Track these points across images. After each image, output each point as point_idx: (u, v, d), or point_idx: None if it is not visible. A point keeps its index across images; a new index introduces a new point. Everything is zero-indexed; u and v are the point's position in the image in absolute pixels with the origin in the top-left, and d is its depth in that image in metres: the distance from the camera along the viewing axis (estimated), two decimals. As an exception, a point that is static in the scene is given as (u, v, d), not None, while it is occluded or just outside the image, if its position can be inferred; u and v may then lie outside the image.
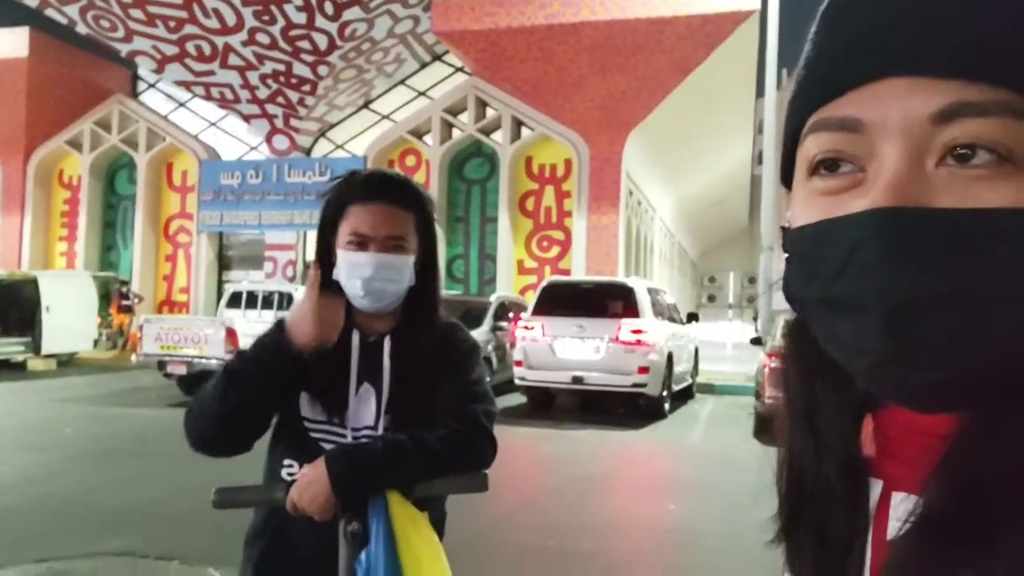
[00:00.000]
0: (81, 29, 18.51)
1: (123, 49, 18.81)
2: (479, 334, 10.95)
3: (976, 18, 0.40)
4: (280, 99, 18.85)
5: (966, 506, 0.41)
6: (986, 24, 0.40)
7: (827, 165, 0.45)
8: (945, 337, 0.39)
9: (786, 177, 0.52)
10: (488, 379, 1.60)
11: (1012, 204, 0.39)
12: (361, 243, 1.47)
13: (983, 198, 0.39)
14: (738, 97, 19.82)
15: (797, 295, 0.47)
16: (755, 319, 22.37)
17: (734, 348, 22.00)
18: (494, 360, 11.20)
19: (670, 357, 10.25)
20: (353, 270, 1.46)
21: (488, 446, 1.49)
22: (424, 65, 19.65)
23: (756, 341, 11.52)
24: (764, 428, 8.89)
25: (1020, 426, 0.40)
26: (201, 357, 10.63)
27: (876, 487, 0.49)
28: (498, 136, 17.62)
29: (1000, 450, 0.41)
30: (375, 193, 1.50)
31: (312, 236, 16.32)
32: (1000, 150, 0.39)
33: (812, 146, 0.46)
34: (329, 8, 16.69)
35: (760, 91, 17.28)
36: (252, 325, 10.99)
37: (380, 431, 1.47)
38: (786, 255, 0.49)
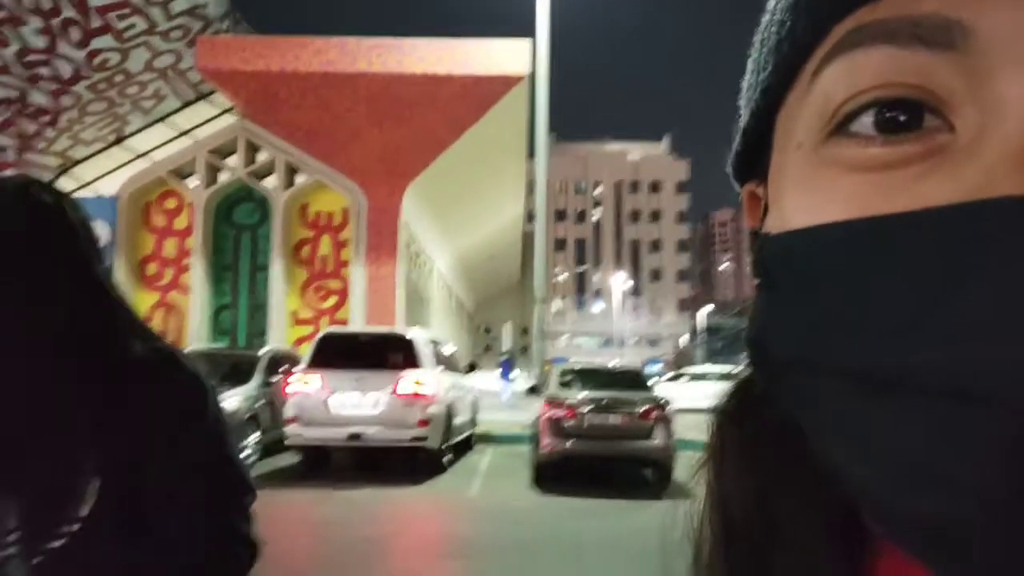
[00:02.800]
0: None
1: None
2: (248, 390, 10.19)
3: None
4: (12, 129, 16.65)
5: None
6: None
7: (863, 119, 0.24)
8: None
9: (744, 159, 0.32)
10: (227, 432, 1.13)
11: None
12: None
13: None
14: (511, 157, 20.75)
15: (787, 349, 0.27)
16: (502, 368, 23.08)
17: (511, 397, 22.56)
18: (265, 418, 10.45)
19: (450, 408, 10.18)
20: None
21: (247, 558, 1.09)
22: (188, 103, 18.41)
23: (533, 390, 11.83)
24: (541, 477, 9.06)
25: None
26: None
27: None
28: (270, 181, 16.88)
29: None
30: None
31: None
32: None
33: (842, 80, 0.25)
34: (75, 34, 15.12)
35: (531, 152, 18.22)
36: None
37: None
38: (758, 280, 0.29)
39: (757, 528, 0.32)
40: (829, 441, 0.26)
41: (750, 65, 0.32)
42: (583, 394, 9.02)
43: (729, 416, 0.35)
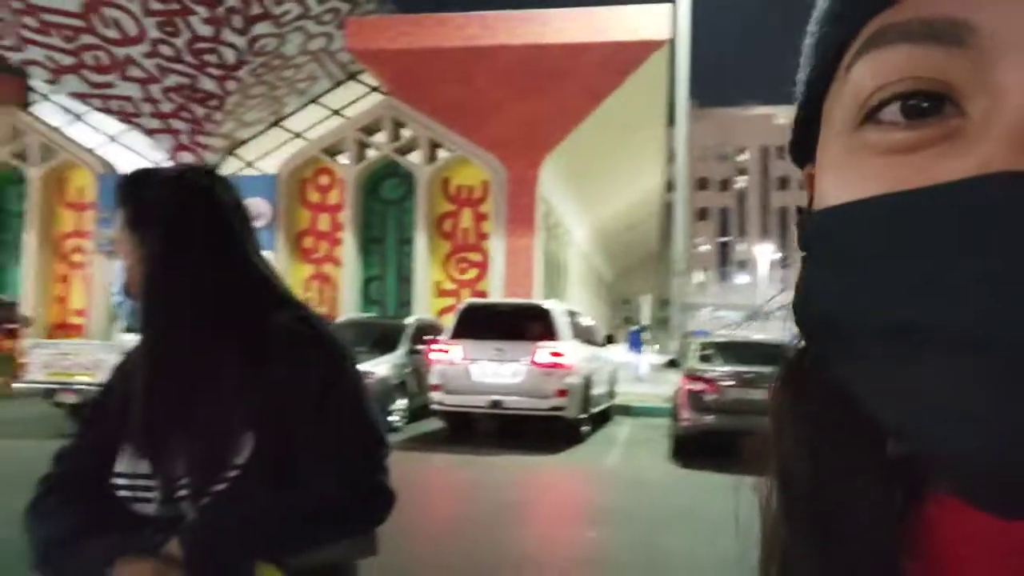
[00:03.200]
0: (-34, 35, 17.34)
1: (14, 58, 17.71)
2: (396, 357, 10.68)
3: None
4: (185, 114, 18.13)
5: None
6: None
7: (891, 108, 0.28)
8: None
9: (801, 145, 0.35)
10: (364, 397, 1.23)
11: None
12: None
13: None
14: (650, 125, 20.30)
15: (829, 314, 0.30)
16: (631, 339, 22.68)
17: (650, 369, 22.34)
18: (412, 384, 10.93)
19: (588, 379, 10.23)
20: None
21: (382, 505, 1.19)
22: (338, 83, 19.30)
23: (672, 363, 11.66)
24: (680, 450, 8.95)
25: None
26: (94, 384, 9.97)
27: None
28: (415, 157, 17.45)
29: None
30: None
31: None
32: None
33: (870, 74, 0.28)
34: (238, 21, 16.20)
35: (671, 120, 17.75)
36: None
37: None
38: (804, 252, 0.32)
39: (810, 478, 0.34)
40: (864, 392, 0.29)
41: (801, 62, 0.34)
42: (724, 368, 8.79)
43: (787, 378, 0.37)
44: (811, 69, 0.32)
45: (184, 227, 1.19)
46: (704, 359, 9.43)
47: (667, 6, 15.61)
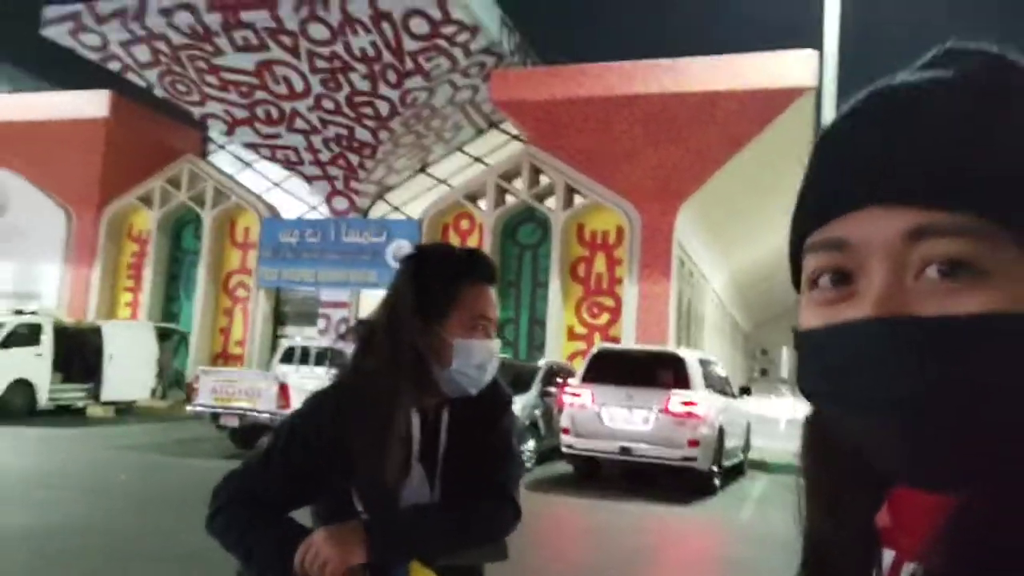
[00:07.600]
0: (158, 92, 19.57)
1: (196, 112, 19.78)
2: (527, 399, 10.89)
3: (942, 153, 0.48)
4: (341, 162, 19.49)
5: (960, 570, 0.47)
6: (951, 157, 0.48)
7: (823, 280, 0.52)
8: (936, 426, 0.47)
9: (796, 282, 0.59)
10: (519, 437, 1.60)
11: (980, 310, 0.46)
12: (486, 328, 1.43)
13: (956, 306, 0.46)
14: (792, 171, 19.50)
15: (808, 390, 0.54)
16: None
17: (788, 425, 21.37)
18: (541, 426, 11.11)
19: (721, 431, 10.03)
20: (476, 357, 1.40)
21: (513, 516, 1.45)
22: (480, 132, 20.15)
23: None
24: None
25: (1009, 502, 0.47)
26: (253, 410, 10.80)
27: (888, 556, 0.55)
28: (551, 202, 17.86)
29: (990, 522, 0.47)
30: (488, 276, 1.46)
31: (368, 295, 16.13)
32: (966, 264, 0.47)
33: (810, 263, 0.54)
34: (392, 76, 17.35)
35: (815, 165, 17.21)
36: (304, 380, 11.16)
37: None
38: (796, 352, 0.56)
39: (825, 482, 0.58)
40: (831, 426, 0.54)
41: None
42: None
43: (807, 429, 0.61)
44: (791, 248, 0.58)
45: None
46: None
47: (810, 52, 15.31)
